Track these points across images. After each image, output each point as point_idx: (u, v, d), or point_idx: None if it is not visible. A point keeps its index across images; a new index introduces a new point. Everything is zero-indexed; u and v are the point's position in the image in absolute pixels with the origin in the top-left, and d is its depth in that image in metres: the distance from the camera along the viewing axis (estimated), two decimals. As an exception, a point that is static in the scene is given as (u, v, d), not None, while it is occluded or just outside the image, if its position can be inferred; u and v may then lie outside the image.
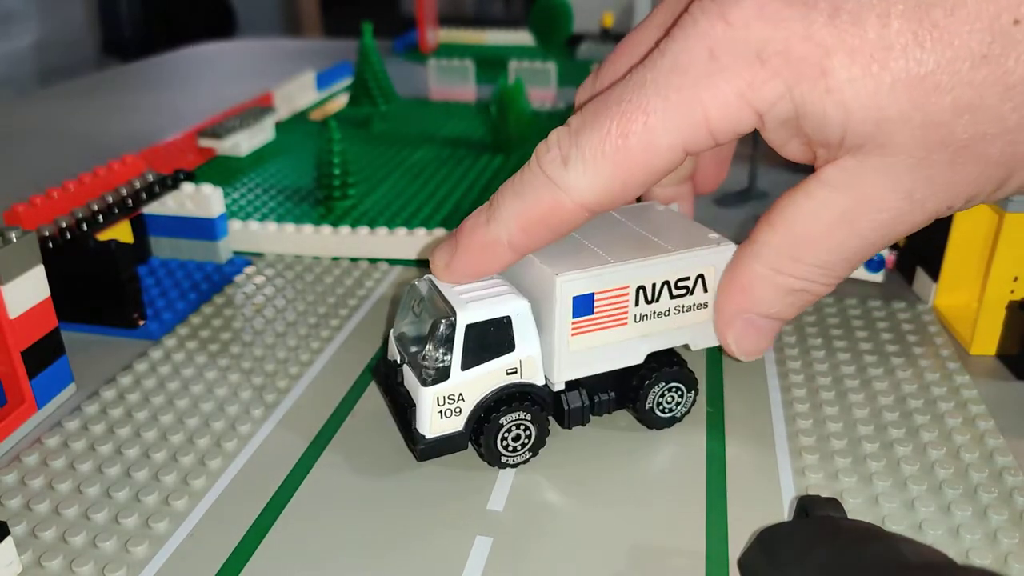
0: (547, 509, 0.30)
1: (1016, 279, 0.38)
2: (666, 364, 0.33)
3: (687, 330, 0.33)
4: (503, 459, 0.32)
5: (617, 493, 0.31)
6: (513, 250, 0.30)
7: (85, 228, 0.42)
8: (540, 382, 0.32)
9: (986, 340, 0.39)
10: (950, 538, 0.28)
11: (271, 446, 0.34)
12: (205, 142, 0.69)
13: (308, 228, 0.52)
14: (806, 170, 0.29)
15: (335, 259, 0.51)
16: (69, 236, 0.42)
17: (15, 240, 0.34)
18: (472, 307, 0.30)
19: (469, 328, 0.30)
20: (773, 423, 0.35)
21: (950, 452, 0.32)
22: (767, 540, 0.25)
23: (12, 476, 0.32)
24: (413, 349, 0.32)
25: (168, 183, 0.49)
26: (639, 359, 0.33)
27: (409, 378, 0.32)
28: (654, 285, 0.32)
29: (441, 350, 0.30)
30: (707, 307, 0.33)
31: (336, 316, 0.44)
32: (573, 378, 0.32)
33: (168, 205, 0.49)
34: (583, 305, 0.31)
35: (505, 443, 0.31)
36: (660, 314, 0.32)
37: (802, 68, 0.25)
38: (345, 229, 0.52)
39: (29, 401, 0.35)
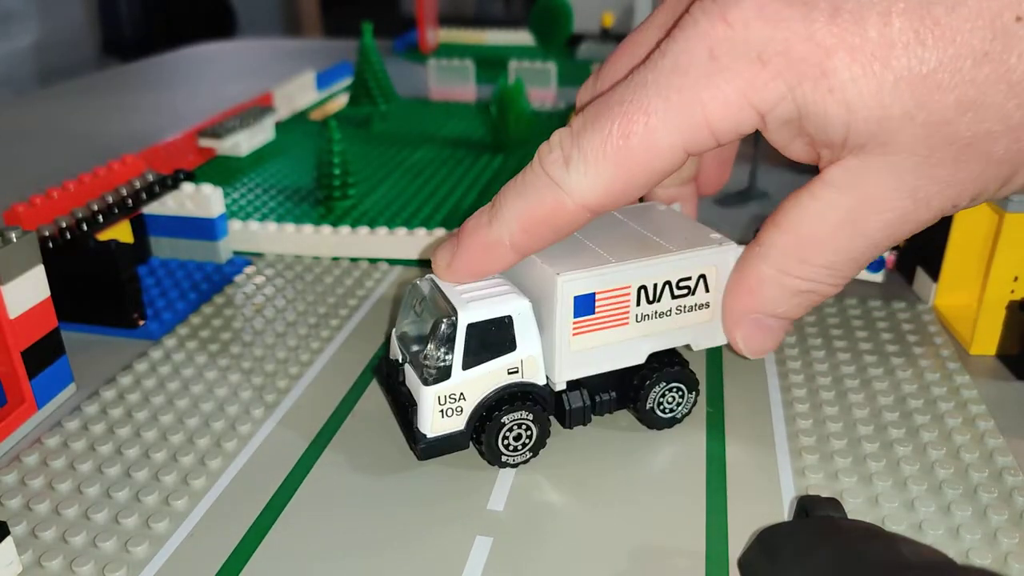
0: (547, 509, 0.30)
1: (1016, 279, 0.38)
2: (667, 364, 0.33)
3: (688, 330, 0.33)
4: (503, 458, 0.32)
5: (617, 493, 0.31)
6: (515, 250, 0.30)
7: (85, 228, 0.42)
8: (541, 382, 0.32)
9: (986, 340, 0.39)
10: (950, 538, 0.28)
11: (271, 446, 0.34)
12: (205, 142, 0.69)
13: (308, 228, 0.52)
14: (807, 170, 0.29)
15: (335, 259, 0.51)
16: (69, 236, 0.42)
17: (15, 240, 0.34)
18: (473, 307, 0.30)
19: (470, 328, 0.30)
20: (773, 423, 0.35)
21: (950, 452, 0.32)
22: (767, 540, 0.25)
23: (12, 476, 0.32)
24: (415, 348, 0.32)
25: (168, 183, 0.49)
26: (640, 359, 0.33)
27: (411, 377, 0.32)
28: (655, 285, 0.32)
29: (442, 349, 0.30)
30: (709, 307, 0.33)
31: (336, 316, 0.44)
32: (574, 378, 0.32)
33: (168, 205, 0.49)
34: (584, 305, 0.31)
35: (506, 442, 0.31)
36: (661, 314, 0.32)
37: (803, 68, 0.25)
38: (345, 229, 0.52)
39: (29, 401, 0.35)
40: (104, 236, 0.44)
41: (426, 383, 0.30)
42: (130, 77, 1.09)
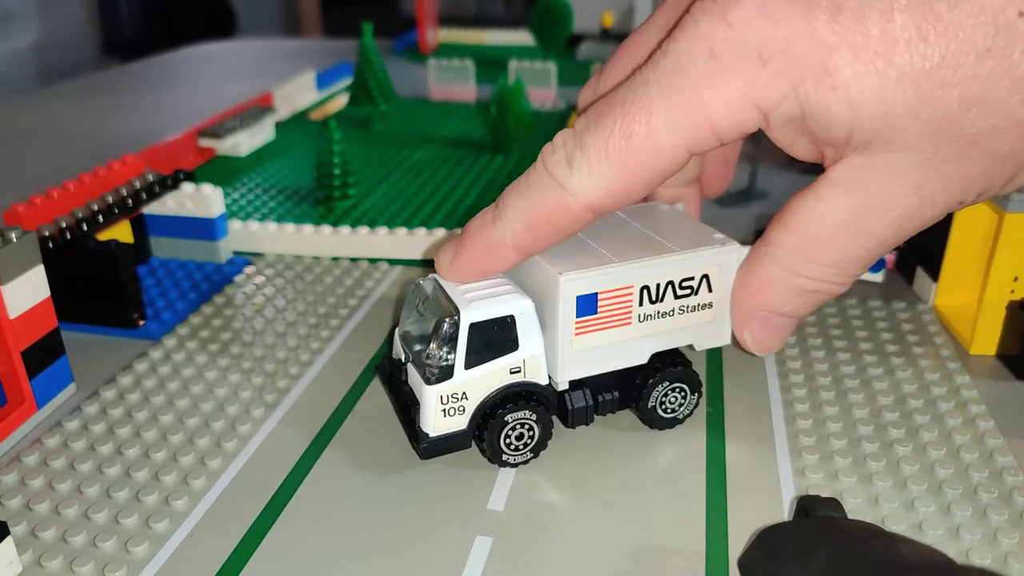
0: (547, 509, 0.30)
1: (1016, 279, 0.38)
2: (670, 364, 0.33)
3: (691, 330, 0.33)
4: (504, 457, 0.32)
5: (617, 493, 0.31)
6: (517, 251, 0.30)
7: (85, 228, 0.42)
8: (544, 381, 0.32)
9: (986, 340, 0.39)
10: (950, 538, 0.28)
11: (271, 446, 0.34)
12: (205, 142, 0.69)
13: (308, 228, 0.52)
14: (808, 169, 0.29)
15: (335, 259, 0.51)
16: (69, 236, 0.42)
17: (15, 240, 0.34)
18: (476, 306, 0.30)
19: (473, 327, 0.30)
20: (773, 423, 0.35)
21: (950, 452, 0.32)
22: (767, 540, 0.25)
23: (12, 476, 0.32)
24: (417, 348, 0.32)
25: (168, 183, 0.49)
26: (643, 359, 0.33)
27: (413, 376, 0.32)
28: (658, 285, 0.32)
29: (445, 349, 0.30)
30: (711, 307, 0.33)
31: (336, 316, 0.44)
32: (577, 378, 0.32)
33: (168, 205, 0.49)
34: (587, 305, 0.31)
35: (508, 441, 0.31)
36: (664, 314, 0.32)
37: (805, 67, 0.25)
38: (345, 229, 0.52)
39: (29, 401, 0.35)
40: (104, 236, 0.44)
41: (428, 382, 0.30)
42: (130, 77, 1.09)
